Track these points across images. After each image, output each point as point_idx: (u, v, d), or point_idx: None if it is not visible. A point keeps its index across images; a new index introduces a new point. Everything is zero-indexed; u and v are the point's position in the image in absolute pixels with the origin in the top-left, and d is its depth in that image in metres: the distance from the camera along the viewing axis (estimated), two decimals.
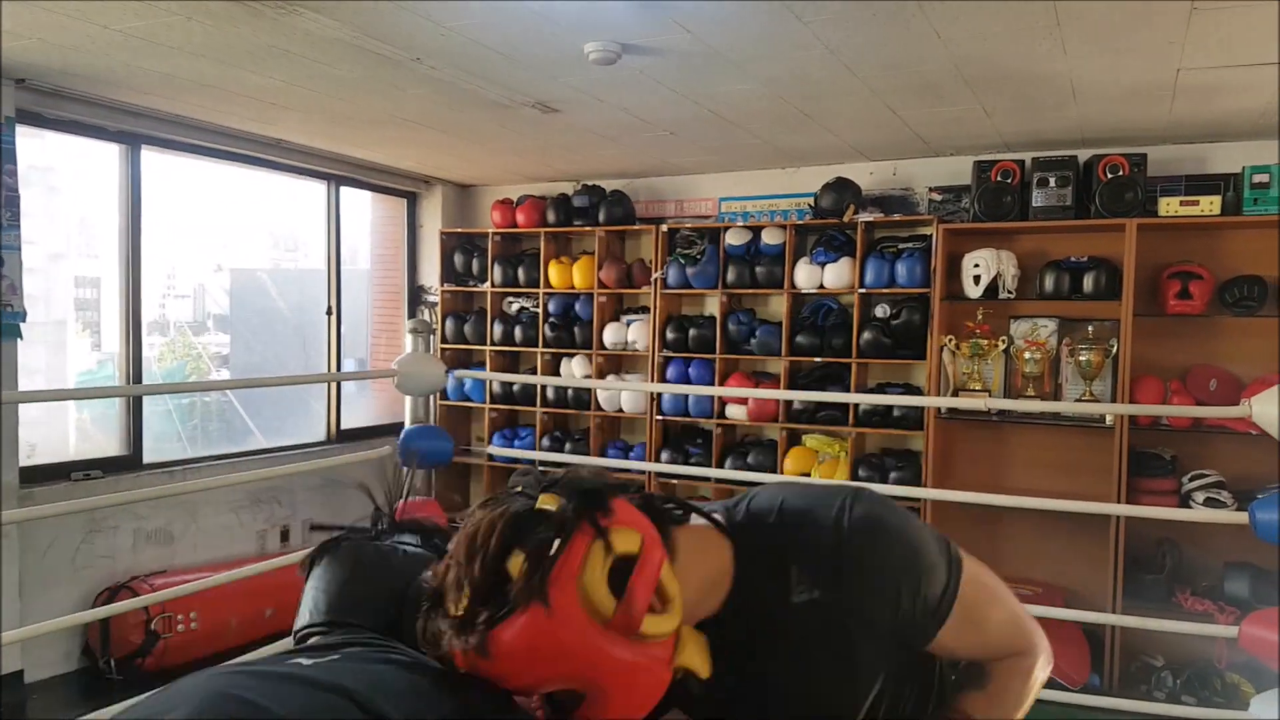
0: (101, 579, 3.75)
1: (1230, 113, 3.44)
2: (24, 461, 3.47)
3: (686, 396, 4.67)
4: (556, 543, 0.83)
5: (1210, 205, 3.66)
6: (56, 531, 3.59)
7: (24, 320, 3.34)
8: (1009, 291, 4.00)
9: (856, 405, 4.27)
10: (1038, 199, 3.91)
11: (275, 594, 3.99)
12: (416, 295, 5.63)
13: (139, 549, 3.92)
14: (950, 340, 4.08)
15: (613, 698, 0.86)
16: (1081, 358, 3.85)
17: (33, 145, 3.57)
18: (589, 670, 0.84)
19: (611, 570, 0.84)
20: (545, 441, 5.07)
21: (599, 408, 4.93)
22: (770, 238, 4.50)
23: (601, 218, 4.94)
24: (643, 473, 4.53)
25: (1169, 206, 3.72)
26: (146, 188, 3.99)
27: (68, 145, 3.81)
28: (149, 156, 4.01)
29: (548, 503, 0.86)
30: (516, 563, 0.82)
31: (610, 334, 4.91)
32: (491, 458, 5.08)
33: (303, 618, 1.08)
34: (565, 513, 0.85)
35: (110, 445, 3.96)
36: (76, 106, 3.59)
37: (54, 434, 3.91)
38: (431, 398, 4.47)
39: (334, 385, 5.02)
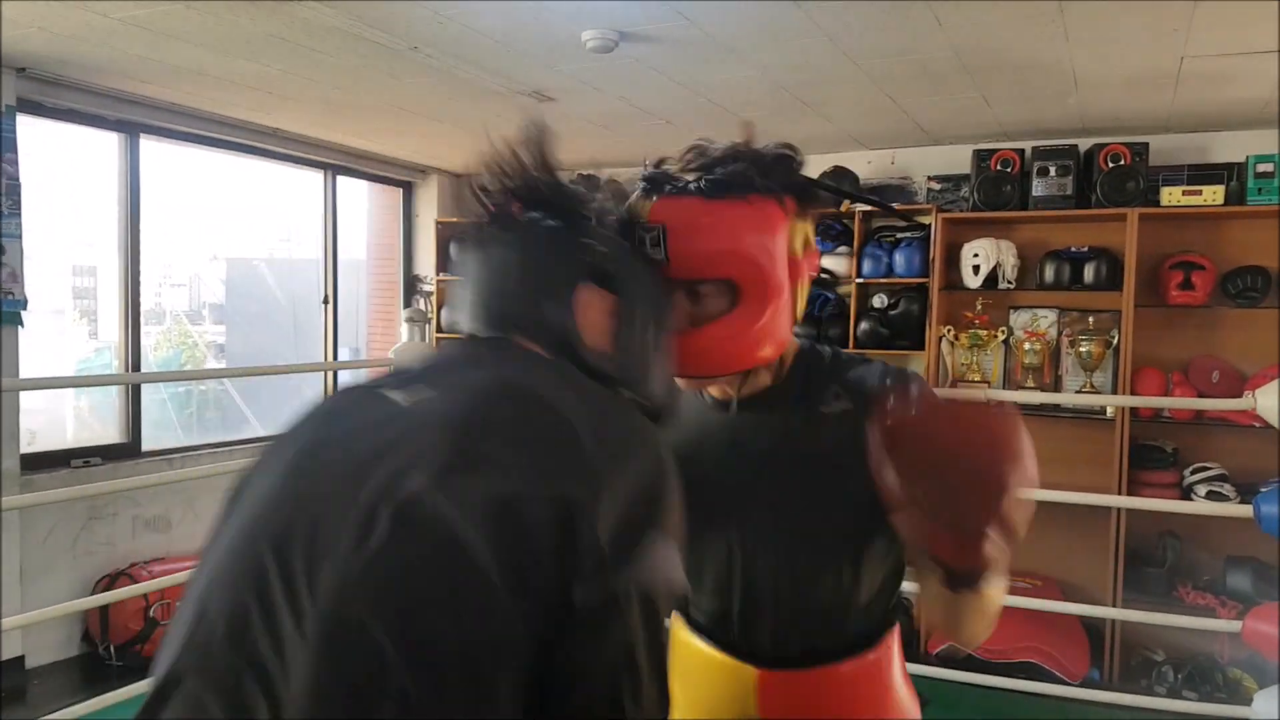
0: (101, 565, 3.77)
1: (1234, 101, 3.41)
2: (24, 449, 3.49)
3: None
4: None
5: (1213, 195, 3.63)
6: (56, 518, 3.60)
7: (25, 308, 3.35)
8: (1008, 282, 3.98)
9: None
10: (1038, 188, 3.88)
11: None
12: (412, 285, 5.62)
13: (138, 536, 3.93)
14: (949, 331, 4.06)
15: (766, 308, 0.97)
16: (1082, 349, 3.83)
17: (33, 134, 3.57)
18: (763, 272, 0.96)
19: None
20: None
21: None
22: None
23: None
24: None
25: (1171, 196, 3.69)
26: (144, 177, 3.99)
27: (68, 134, 3.81)
28: (147, 145, 4.01)
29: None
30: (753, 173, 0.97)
31: None
32: None
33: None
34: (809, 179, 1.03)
35: (109, 433, 3.97)
36: (76, 95, 3.59)
37: (53, 422, 3.93)
38: None
39: (330, 374, 5.03)
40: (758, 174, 0.96)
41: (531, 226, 0.88)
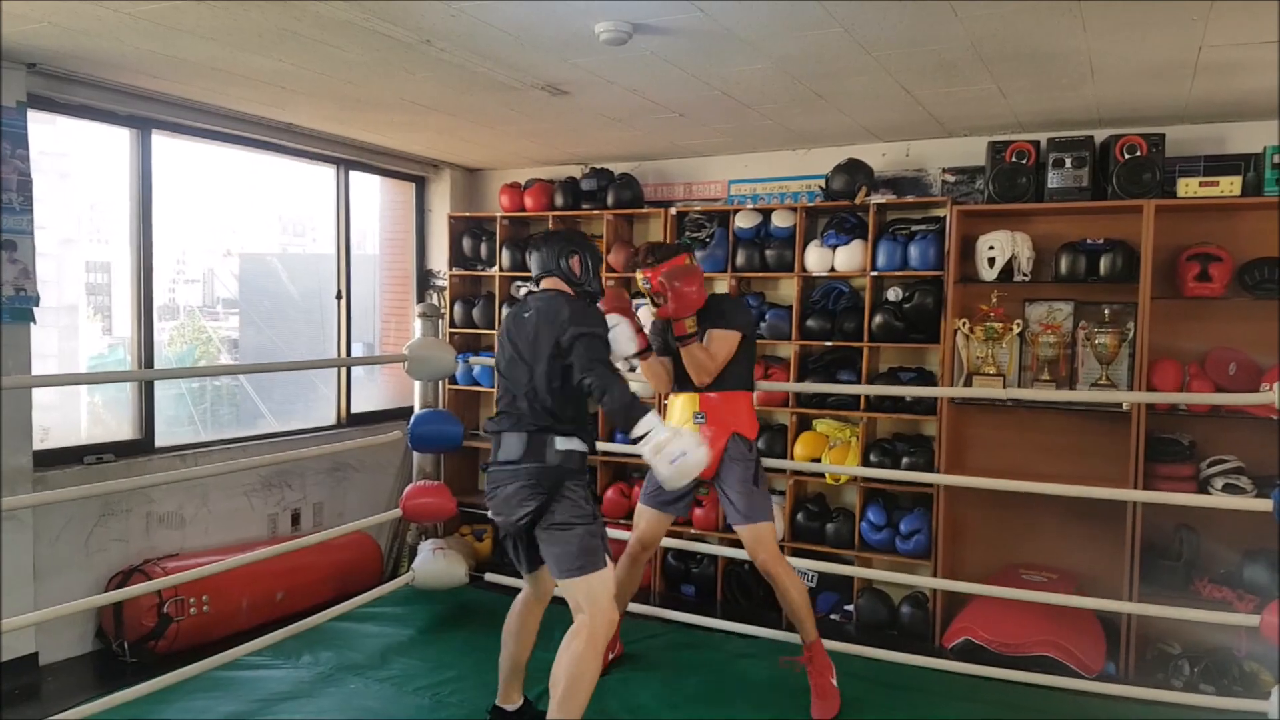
0: (114, 562, 3.77)
1: (1251, 91, 3.37)
2: (37, 445, 3.49)
3: None
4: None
5: (1230, 186, 3.60)
6: (70, 515, 3.61)
7: (37, 305, 3.35)
8: (1024, 274, 3.95)
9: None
10: (1053, 180, 3.85)
11: (286, 577, 4.01)
12: (425, 279, 5.62)
13: (151, 532, 3.94)
14: (964, 324, 4.03)
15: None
16: (1098, 341, 3.81)
17: (45, 130, 3.57)
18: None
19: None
20: None
21: None
22: (780, 220, 4.46)
23: (610, 201, 4.91)
24: None
25: (1188, 187, 3.66)
26: (157, 172, 3.99)
27: (79, 130, 3.80)
28: (160, 141, 4.00)
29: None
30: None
31: None
32: None
33: None
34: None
35: (122, 429, 3.97)
36: (88, 91, 3.59)
37: (67, 418, 3.93)
38: (440, 382, 4.45)
39: (344, 370, 5.02)
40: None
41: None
